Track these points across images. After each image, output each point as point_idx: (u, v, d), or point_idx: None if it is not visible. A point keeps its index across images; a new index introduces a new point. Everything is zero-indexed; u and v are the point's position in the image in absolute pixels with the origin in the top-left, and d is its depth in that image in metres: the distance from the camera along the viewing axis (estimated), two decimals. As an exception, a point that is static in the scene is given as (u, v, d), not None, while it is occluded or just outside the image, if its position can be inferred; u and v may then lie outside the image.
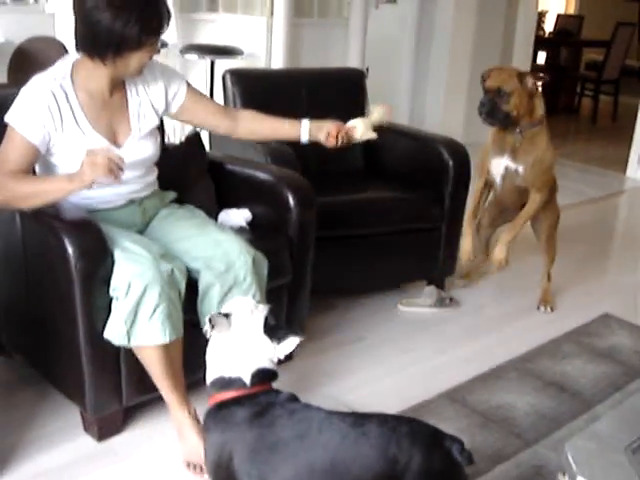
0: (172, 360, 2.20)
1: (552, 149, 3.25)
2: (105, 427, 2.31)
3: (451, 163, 3.30)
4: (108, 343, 2.14)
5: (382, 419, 1.67)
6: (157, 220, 2.47)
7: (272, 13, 5.07)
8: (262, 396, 1.74)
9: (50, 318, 2.27)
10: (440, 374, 2.88)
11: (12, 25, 5.21)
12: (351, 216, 3.16)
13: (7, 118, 2.16)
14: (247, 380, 1.74)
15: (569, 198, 4.75)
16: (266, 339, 1.76)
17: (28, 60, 4.93)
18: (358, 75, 3.87)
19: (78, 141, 2.19)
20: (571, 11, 10.75)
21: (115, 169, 2.00)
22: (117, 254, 2.13)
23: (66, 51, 4.95)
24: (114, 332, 2.13)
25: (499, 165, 3.26)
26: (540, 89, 3.18)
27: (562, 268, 3.86)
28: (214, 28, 5.29)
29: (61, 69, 2.23)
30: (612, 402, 2.73)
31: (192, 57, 4.94)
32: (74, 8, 2.16)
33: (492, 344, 3.18)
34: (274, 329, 1.79)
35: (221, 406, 1.74)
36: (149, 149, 2.39)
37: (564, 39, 9.11)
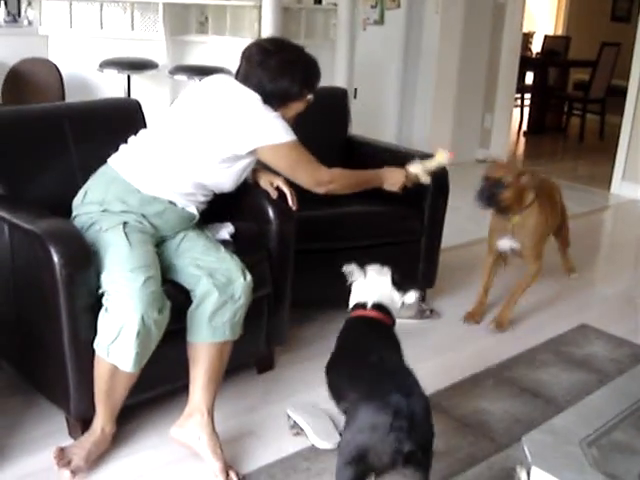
0: (118, 387, 2.28)
1: (542, 222, 3.51)
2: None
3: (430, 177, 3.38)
4: (92, 349, 2.22)
5: None
6: (180, 235, 2.57)
7: (260, 35, 5.20)
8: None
9: (36, 325, 2.36)
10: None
11: (6, 47, 5.33)
12: (331, 229, 3.25)
13: (283, 140, 2.52)
14: (369, 305, 2.31)
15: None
16: (389, 285, 2.35)
17: (22, 81, 5.05)
18: (341, 94, 3.96)
19: None
20: (559, 32, 10.90)
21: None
22: (114, 262, 2.25)
23: (59, 72, 5.08)
24: (99, 343, 2.22)
25: (504, 244, 3.55)
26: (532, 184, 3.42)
27: (543, 280, 3.96)
28: (203, 50, 5.42)
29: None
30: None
31: (181, 78, 5.05)
32: (242, 60, 2.59)
33: (471, 354, 3.26)
34: (401, 283, 2.37)
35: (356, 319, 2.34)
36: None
37: (551, 59, 9.26)
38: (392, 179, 2.89)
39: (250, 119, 2.49)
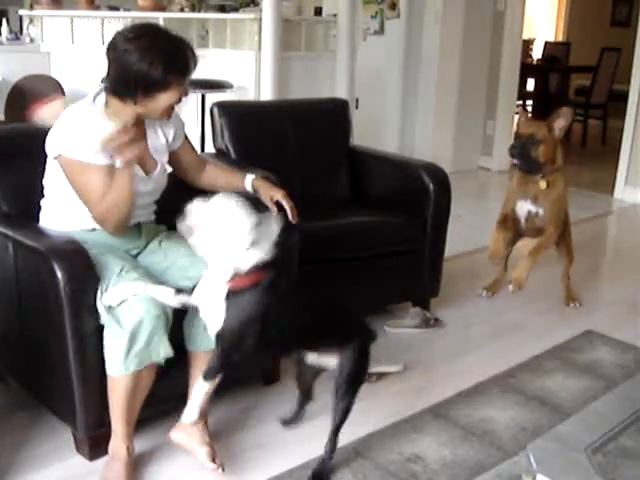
0: (141, 389, 2.28)
1: (567, 192, 3.63)
2: (96, 447, 2.38)
3: (431, 186, 3.41)
4: (97, 363, 2.23)
5: None
6: (153, 244, 2.56)
7: (260, 47, 5.22)
8: None
9: (41, 341, 2.36)
10: (424, 391, 2.96)
11: (9, 64, 5.36)
12: (335, 240, 3.26)
13: (62, 153, 2.27)
14: None
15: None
16: None
17: (25, 97, 5.07)
18: (342, 105, 3.97)
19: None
20: (559, 38, 10.93)
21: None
22: (110, 286, 2.23)
23: (61, 88, 5.11)
24: (111, 365, 2.22)
25: (522, 208, 3.62)
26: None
27: (548, 287, 3.97)
28: (204, 63, 5.39)
29: (91, 107, 2.36)
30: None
31: (183, 92, 5.06)
32: (107, 53, 2.31)
33: (476, 362, 3.26)
34: None
35: None
36: (165, 180, 2.57)
37: (552, 65, 9.28)
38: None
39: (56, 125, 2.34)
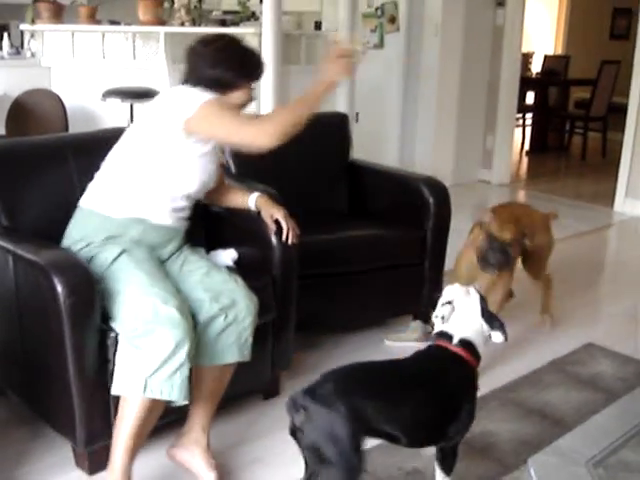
0: (151, 421, 2.26)
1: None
2: (95, 461, 2.37)
3: (431, 200, 3.41)
4: (97, 378, 2.23)
5: None
6: (176, 255, 2.58)
7: (261, 61, 5.22)
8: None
9: (41, 355, 2.36)
10: (425, 404, 2.95)
11: (10, 78, 5.38)
12: (335, 254, 3.26)
13: (204, 99, 2.38)
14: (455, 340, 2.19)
15: (559, 233, 4.82)
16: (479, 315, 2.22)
17: (25, 112, 5.09)
18: (342, 119, 3.98)
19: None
20: (558, 51, 10.96)
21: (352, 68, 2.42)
22: (143, 296, 2.23)
23: (62, 103, 5.12)
24: (125, 381, 2.19)
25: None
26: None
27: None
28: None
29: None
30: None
31: (183, 105, 5.07)
32: (196, 60, 2.54)
33: (476, 375, 3.24)
34: (490, 317, 2.23)
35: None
36: (217, 177, 2.70)
37: (551, 79, 9.30)
38: (332, 70, 2.39)
39: (176, 99, 2.45)
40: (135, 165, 2.44)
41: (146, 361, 2.16)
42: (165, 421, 2.41)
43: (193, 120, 2.36)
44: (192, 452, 2.41)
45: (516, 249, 3.21)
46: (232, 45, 2.58)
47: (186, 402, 2.22)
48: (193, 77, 2.51)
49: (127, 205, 2.44)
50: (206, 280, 2.45)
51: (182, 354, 2.17)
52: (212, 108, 2.38)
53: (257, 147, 2.37)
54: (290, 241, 2.71)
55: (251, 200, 2.74)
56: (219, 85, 2.47)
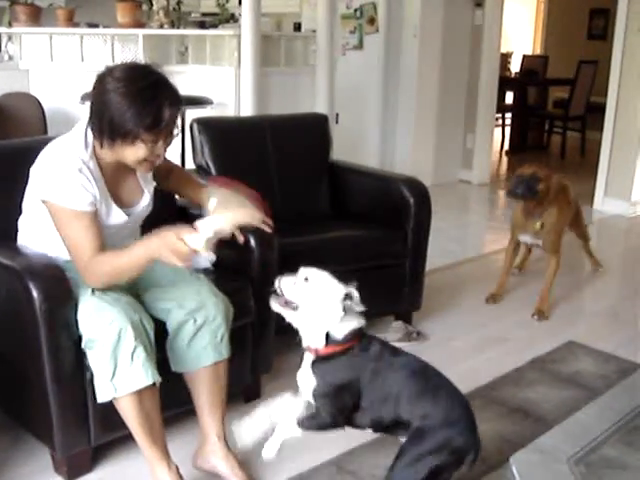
0: (148, 411, 2.22)
1: (561, 221, 3.96)
2: (74, 467, 2.36)
3: (412, 200, 3.41)
4: (74, 383, 2.21)
5: None
6: None
7: (240, 63, 5.23)
8: None
9: (18, 361, 2.34)
10: (407, 405, 2.94)
11: (-13, 82, 5.30)
12: (316, 255, 3.23)
13: (50, 199, 2.15)
14: None
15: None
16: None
17: (3, 115, 5.04)
18: (321, 120, 3.98)
19: (102, 215, 2.25)
20: (537, 51, 11.03)
21: (189, 260, 2.10)
22: (85, 305, 2.20)
23: (40, 106, 5.08)
24: (100, 389, 2.18)
25: (526, 239, 4.05)
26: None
27: (529, 298, 3.98)
28: (184, 79, 5.42)
29: (82, 146, 2.25)
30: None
31: (163, 108, 5.05)
32: (93, 88, 2.19)
33: (458, 374, 3.18)
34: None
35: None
36: (151, 207, 2.47)
37: (530, 79, 9.37)
38: (166, 254, 2.09)
39: (36, 171, 2.24)
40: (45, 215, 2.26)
41: (102, 365, 2.15)
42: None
43: (47, 205, 2.20)
44: (213, 464, 2.39)
45: (540, 185, 3.72)
46: (135, 84, 2.12)
47: (159, 379, 2.19)
48: (91, 119, 2.21)
49: (55, 246, 2.29)
50: (169, 289, 2.40)
51: (129, 339, 2.13)
52: (52, 209, 2.17)
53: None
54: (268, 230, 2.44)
55: (210, 205, 2.40)
56: (110, 134, 2.13)
